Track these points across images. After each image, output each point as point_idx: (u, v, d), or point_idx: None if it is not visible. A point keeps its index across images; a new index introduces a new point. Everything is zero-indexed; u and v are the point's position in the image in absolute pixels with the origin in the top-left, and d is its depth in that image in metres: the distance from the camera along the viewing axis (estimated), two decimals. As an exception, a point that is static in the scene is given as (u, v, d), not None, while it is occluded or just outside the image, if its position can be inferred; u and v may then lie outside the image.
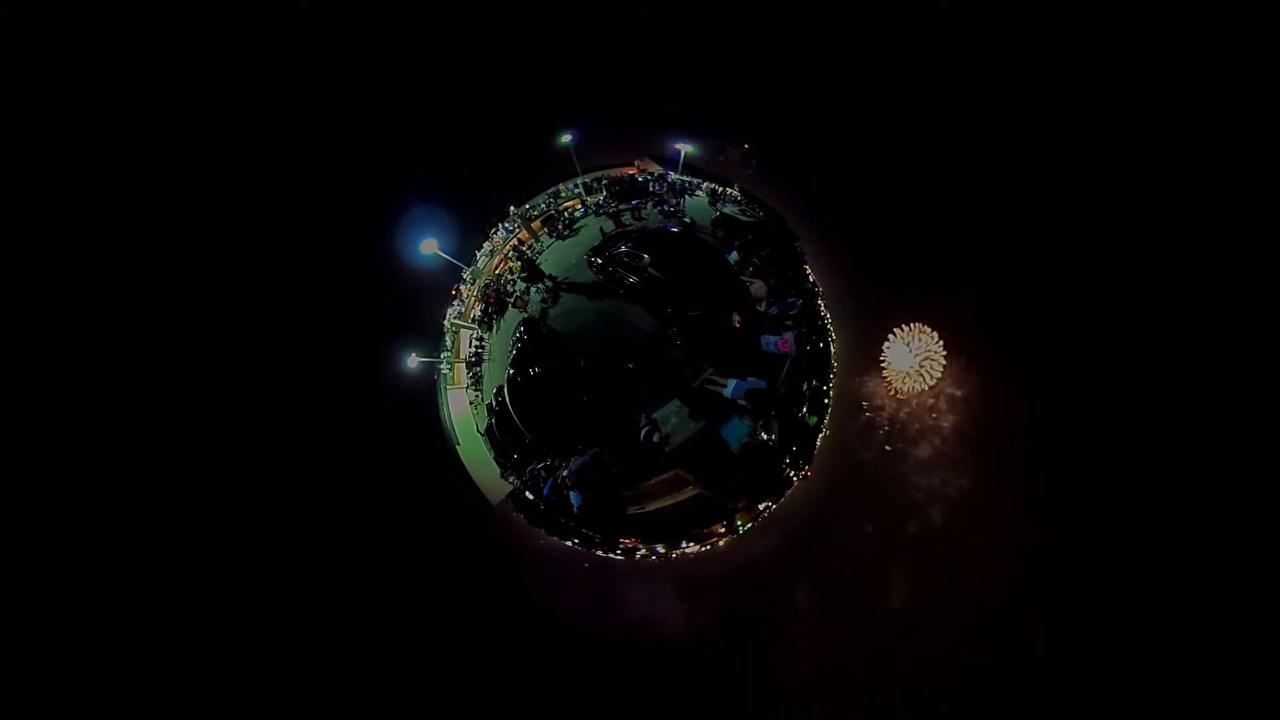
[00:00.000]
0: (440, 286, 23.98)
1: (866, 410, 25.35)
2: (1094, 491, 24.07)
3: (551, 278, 22.99)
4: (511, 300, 23.33)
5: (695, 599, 24.74)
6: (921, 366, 23.98)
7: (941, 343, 23.91)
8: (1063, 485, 24.33)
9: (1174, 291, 24.30)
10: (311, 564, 24.52)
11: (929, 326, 24.09)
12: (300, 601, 24.50)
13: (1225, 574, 22.22)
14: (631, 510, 20.00)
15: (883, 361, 24.41)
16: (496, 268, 24.20)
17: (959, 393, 25.30)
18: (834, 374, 21.73)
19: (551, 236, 24.42)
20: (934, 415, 25.19)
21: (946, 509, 24.84)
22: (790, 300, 21.23)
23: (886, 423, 25.23)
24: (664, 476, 19.31)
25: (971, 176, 26.10)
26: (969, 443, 25.22)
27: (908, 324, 24.20)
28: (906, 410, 25.29)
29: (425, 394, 23.23)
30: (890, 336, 24.32)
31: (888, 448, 25.20)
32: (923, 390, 24.53)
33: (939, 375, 24.16)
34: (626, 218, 24.07)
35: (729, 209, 23.43)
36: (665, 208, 23.79)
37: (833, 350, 21.97)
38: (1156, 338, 24.04)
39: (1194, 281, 24.18)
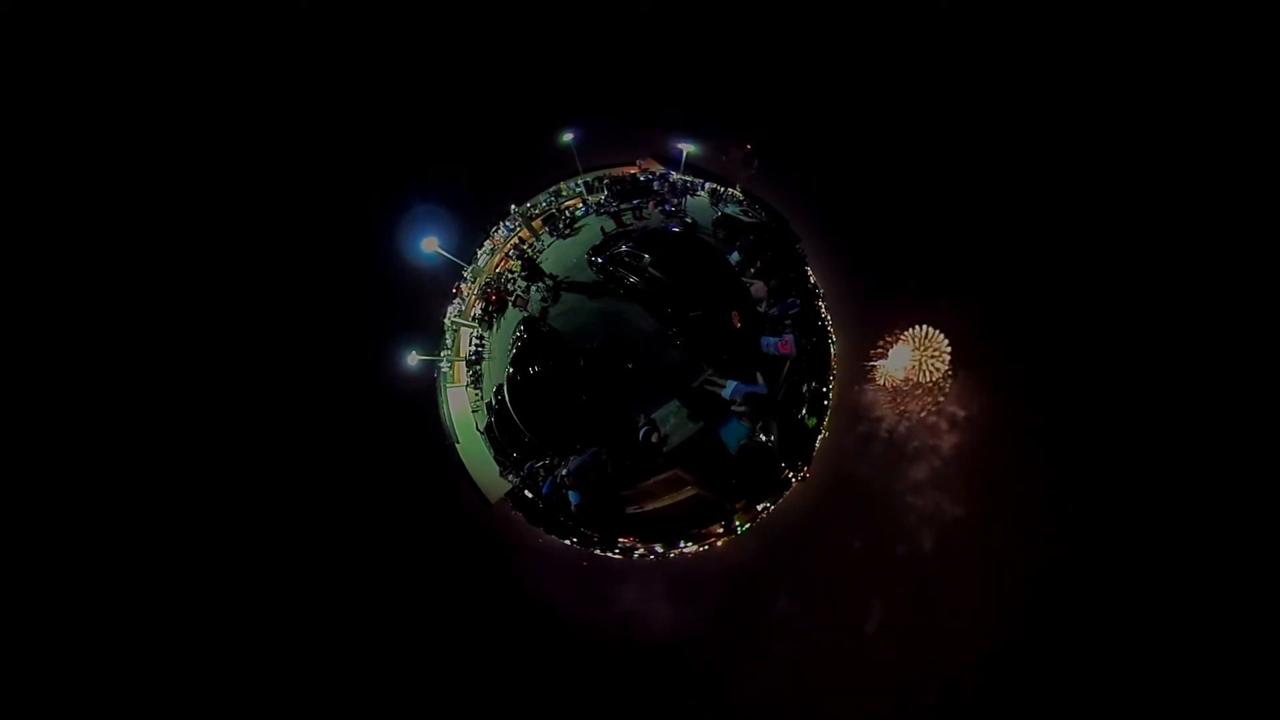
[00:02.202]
0: (441, 284, 24.00)
1: (863, 424, 24.64)
2: (1095, 535, 23.01)
3: (552, 277, 22.98)
4: (512, 299, 23.32)
5: (685, 600, 24.65)
6: (922, 363, 23.14)
7: (946, 341, 23.15)
8: (1063, 525, 23.27)
9: (1192, 320, 23.44)
10: (311, 561, 24.57)
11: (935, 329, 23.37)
12: (299, 598, 24.55)
13: (1227, 624, 21.31)
14: (630, 510, 20.00)
15: (875, 363, 23.78)
16: (497, 266, 24.19)
17: (962, 412, 24.42)
18: (834, 375, 21.72)
19: (552, 235, 24.40)
20: (934, 434, 24.30)
21: (938, 535, 24.02)
22: (790, 301, 21.23)
23: (886, 433, 24.56)
24: (663, 477, 19.29)
25: (974, 178, 25.99)
26: (968, 468, 24.24)
27: (914, 326, 23.58)
28: (906, 424, 24.63)
29: (425, 392, 23.27)
30: (889, 340, 23.76)
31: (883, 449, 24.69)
32: (919, 386, 23.59)
33: (940, 373, 23.25)
34: (628, 217, 24.04)
35: (730, 209, 23.40)
36: (667, 207, 23.75)
37: (832, 352, 21.95)
38: (1176, 364, 22.96)
39: (1209, 315, 23.27)
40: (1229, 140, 24.24)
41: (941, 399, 23.50)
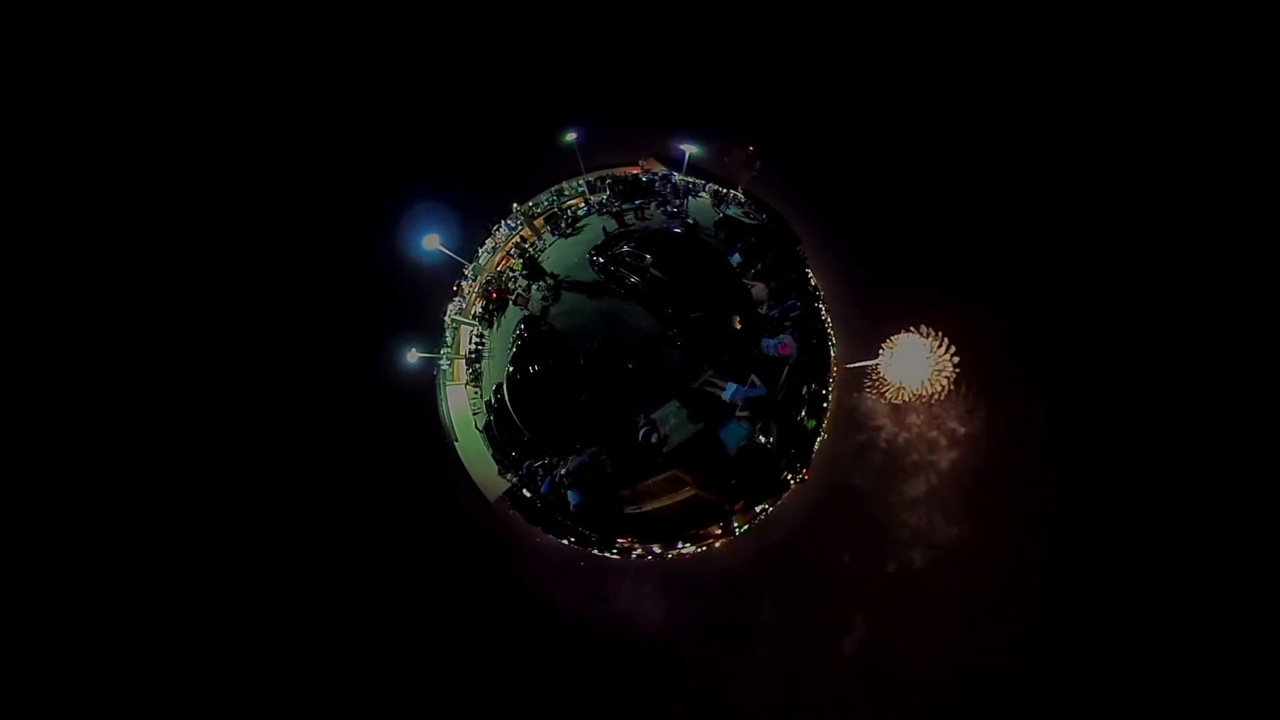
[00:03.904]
0: (442, 282, 23.99)
1: (862, 433, 24.19)
2: (1093, 569, 22.37)
3: (553, 276, 22.94)
4: (513, 297, 23.28)
5: (677, 602, 24.68)
6: (932, 377, 22.69)
7: (953, 349, 22.72)
8: (1061, 555, 22.65)
9: (1194, 326, 22.83)
10: (310, 558, 24.57)
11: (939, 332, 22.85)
12: (299, 595, 24.55)
13: (1227, 640, 20.79)
14: (629, 510, 20.03)
15: (881, 362, 23.36)
16: (498, 265, 24.17)
17: (962, 429, 23.81)
18: (833, 377, 21.75)
19: (554, 234, 24.38)
20: (933, 450, 23.65)
21: (930, 555, 23.54)
22: (790, 303, 21.27)
23: (884, 443, 24.01)
24: (662, 477, 19.32)
25: (975, 180, 25.99)
26: (965, 487, 23.65)
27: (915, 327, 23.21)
28: (905, 436, 24.06)
29: (425, 390, 23.26)
30: (896, 340, 23.33)
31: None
32: (922, 395, 23.22)
33: (943, 388, 22.71)
34: (630, 217, 24.02)
35: (732, 211, 23.43)
36: (669, 208, 23.73)
37: (832, 354, 21.99)
38: (1178, 371, 22.46)
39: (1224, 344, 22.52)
40: (1229, 142, 24.22)
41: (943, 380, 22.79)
